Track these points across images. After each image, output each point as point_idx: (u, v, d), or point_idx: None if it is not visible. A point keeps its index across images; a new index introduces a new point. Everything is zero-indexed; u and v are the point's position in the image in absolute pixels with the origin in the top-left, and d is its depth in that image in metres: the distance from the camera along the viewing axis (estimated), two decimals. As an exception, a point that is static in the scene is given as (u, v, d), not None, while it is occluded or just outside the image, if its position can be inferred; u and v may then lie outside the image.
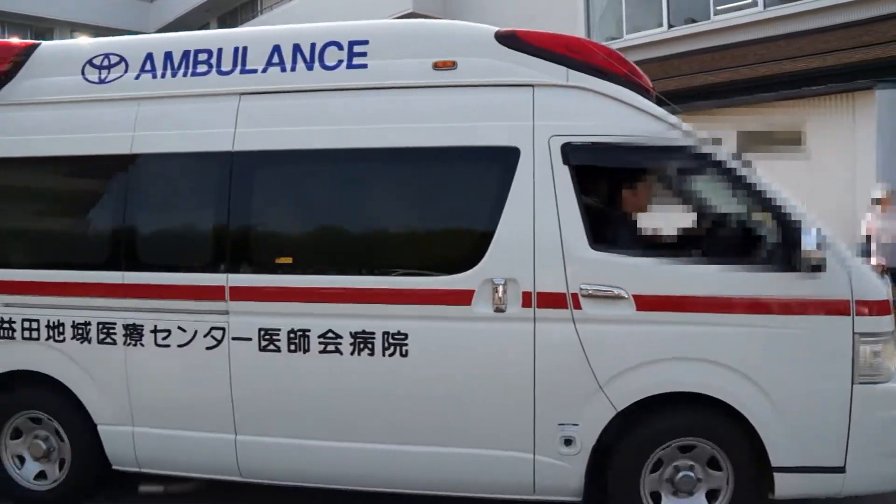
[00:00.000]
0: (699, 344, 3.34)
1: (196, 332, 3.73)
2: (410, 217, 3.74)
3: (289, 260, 3.74)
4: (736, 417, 3.32)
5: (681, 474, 3.43)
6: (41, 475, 4.12)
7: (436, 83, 3.63)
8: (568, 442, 3.43)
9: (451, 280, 3.48)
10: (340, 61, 3.72)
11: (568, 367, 3.39)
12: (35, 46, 4.15)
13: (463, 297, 3.45)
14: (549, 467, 3.46)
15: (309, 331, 3.60)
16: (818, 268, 3.18)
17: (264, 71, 3.81)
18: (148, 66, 3.96)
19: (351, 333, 3.56)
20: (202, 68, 3.89)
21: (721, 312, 3.31)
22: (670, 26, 12.57)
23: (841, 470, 3.26)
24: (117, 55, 4.02)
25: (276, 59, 3.80)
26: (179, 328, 3.75)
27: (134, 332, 3.81)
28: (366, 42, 3.72)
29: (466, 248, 3.53)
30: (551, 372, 3.40)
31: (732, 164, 3.42)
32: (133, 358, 3.82)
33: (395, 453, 3.60)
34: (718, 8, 12.02)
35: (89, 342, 3.88)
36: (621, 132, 3.44)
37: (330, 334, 3.58)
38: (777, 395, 3.26)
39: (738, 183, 3.43)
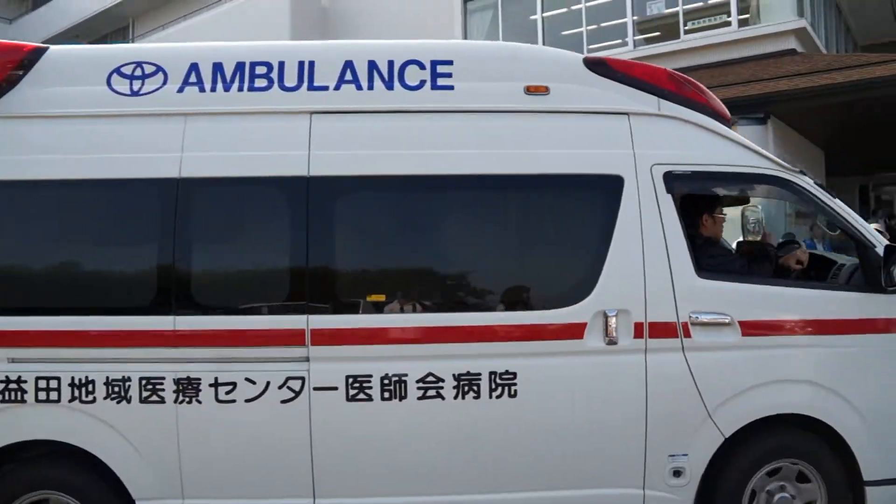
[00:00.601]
0: (800, 366, 3.47)
1: (268, 383, 3.26)
2: (512, 248, 3.55)
3: (381, 297, 3.38)
4: (828, 435, 3.47)
5: (777, 497, 3.51)
6: None
7: (529, 108, 3.50)
8: (677, 473, 3.40)
9: (561, 314, 3.34)
10: (424, 81, 3.49)
11: (679, 396, 3.36)
12: (42, 50, 3.49)
13: (575, 331, 3.32)
14: (658, 501, 3.41)
15: (406, 375, 3.28)
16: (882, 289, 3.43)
17: (337, 88, 3.47)
18: (193, 79, 3.46)
19: (454, 376, 3.28)
20: (261, 83, 3.46)
21: (818, 334, 3.45)
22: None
23: None
24: (153, 65, 3.47)
25: (349, 77, 3.48)
26: (247, 380, 3.25)
27: (188, 388, 3.26)
28: (450, 62, 3.51)
29: (576, 279, 3.41)
30: (663, 403, 3.36)
31: (816, 191, 3.61)
32: (187, 418, 3.26)
33: (496, 500, 3.36)
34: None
35: (128, 402, 3.24)
36: (717, 161, 3.52)
37: (430, 378, 3.28)
38: (868, 411, 3.44)
39: (823, 210, 3.63)
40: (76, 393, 3.24)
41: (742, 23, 12.44)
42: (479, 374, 3.29)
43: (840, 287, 3.59)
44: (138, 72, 3.47)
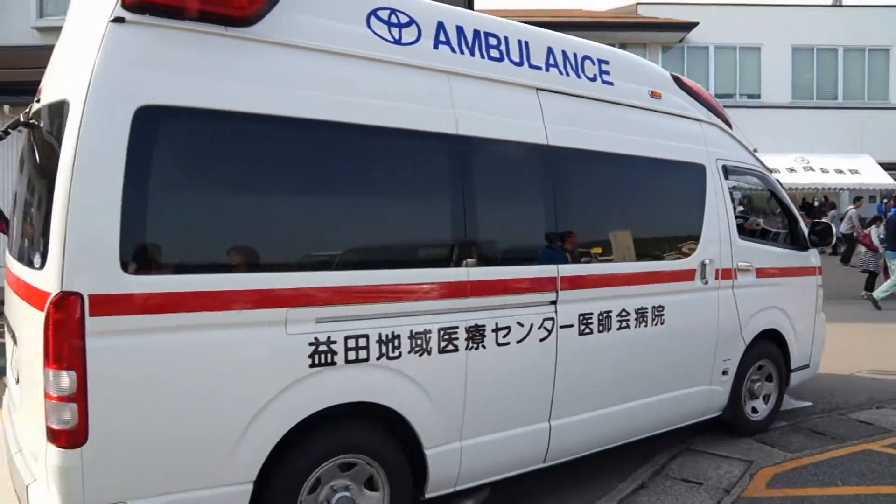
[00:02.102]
0: (775, 296, 5.32)
1: (532, 325, 3.68)
2: (659, 216, 4.62)
3: (599, 250, 4.12)
4: (778, 340, 5.42)
5: (759, 380, 5.39)
6: None
7: (652, 107, 4.58)
8: (725, 372, 4.95)
9: (686, 262, 4.58)
10: (596, 75, 4.25)
11: (730, 318, 4.90)
12: None
13: (691, 275, 4.60)
14: (715, 393, 4.90)
15: (611, 311, 4.08)
16: (807, 248, 5.67)
17: (547, 70, 3.99)
18: (442, 37, 3.56)
19: (635, 310, 4.22)
20: (494, 53, 3.75)
21: (783, 276, 5.39)
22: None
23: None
24: (406, 15, 3.44)
25: (552, 61, 4.03)
26: (518, 323, 3.63)
27: (476, 335, 3.46)
28: (608, 62, 4.35)
29: (690, 239, 4.67)
30: (723, 322, 4.85)
31: (778, 185, 5.57)
32: (474, 363, 3.45)
33: (645, 405, 4.41)
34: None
35: (429, 353, 3.30)
36: (739, 159, 5.20)
37: (623, 313, 4.16)
38: (796, 319, 5.52)
39: (780, 196, 5.62)
40: (383, 349, 3.16)
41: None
42: (647, 308, 4.29)
43: (790, 247, 5.61)
44: (394, 19, 3.40)
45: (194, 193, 2.86)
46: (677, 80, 4.88)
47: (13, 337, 3.34)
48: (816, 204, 23.21)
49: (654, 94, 4.59)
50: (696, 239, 4.68)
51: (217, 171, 2.91)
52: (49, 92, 3.06)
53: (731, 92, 24.45)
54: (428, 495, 3.45)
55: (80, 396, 2.54)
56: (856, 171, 22.19)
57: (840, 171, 22.25)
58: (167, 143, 2.74)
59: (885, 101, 24.90)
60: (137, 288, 2.62)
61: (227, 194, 2.93)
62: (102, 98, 2.58)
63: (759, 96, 24.68)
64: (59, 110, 2.75)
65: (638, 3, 24.47)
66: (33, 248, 2.90)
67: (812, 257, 5.78)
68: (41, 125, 3.07)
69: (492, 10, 24.13)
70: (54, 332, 2.53)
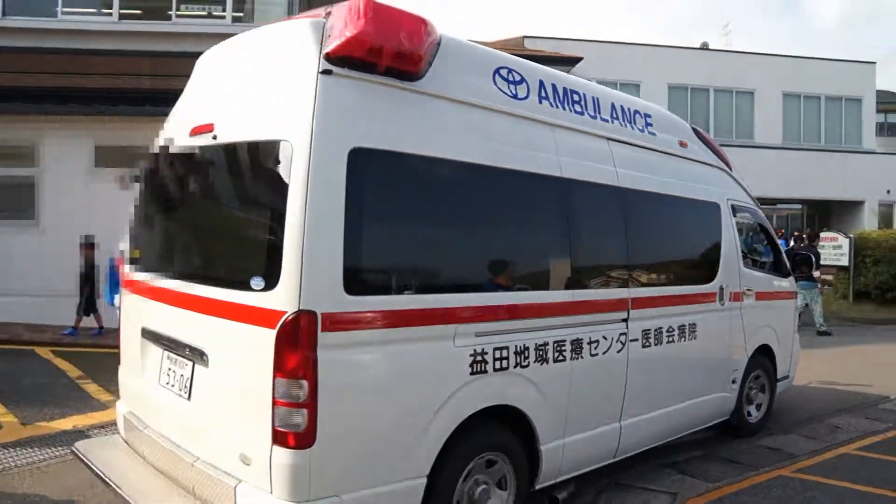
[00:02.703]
0: (768, 316, 6.34)
1: (612, 339, 4.40)
2: (686, 246, 5.54)
3: (653, 276, 5.01)
4: (769, 354, 6.41)
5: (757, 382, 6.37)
6: None
7: (681, 154, 5.48)
8: (734, 381, 5.86)
9: (711, 286, 5.51)
10: (643, 127, 5.09)
11: (739, 334, 5.84)
12: (438, 34, 3.63)
13: (713, 297, 5.51)
14: (727, 399, 5.80)
15: (661, 328, 4.89)
16: (788, 275, 6.75)
17: (612, 122, 4.76)
18: (543, 93, 4.23)
19: (678, 327, 5.06)
20: (578, 108, 4.48)
21: (773, 299, 6.42)
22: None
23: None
24: (518, 73, 4.09)
25: (615, 114, 4.82)
26: (603, 337, 4.33)
27: (577, 346, 4.14)
28: (651, 115, 5.21)
29: (712, 267, 5.60)
30: (734, 338, 5.80)
31: (765, 219, 6.62)
32: (574, 371, 4.11)
33: (684, 407, 5.23)
34: (65, 10, 12.43)
35: (547, 363, 3.92)
36: (742, 199, 6.20)
37: (670, 328, 4.97)
38: (781, 336, 6.57)
39: (768, 230, 6.67)
40: (518, 359, 3.75)
41: (236, 19, 13.07)
42: (684, 326, 5.11)
43: (776, 274, 6.65)
44: (511, 77, 4.03)
45: (393, 224, 3.32)
46: (696, 132, 5.83)
47: (172, 350, 3.66)
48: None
49: (682, 144, 5.51)
50: (715, 267, 5.58)
51: (407, 206, 3.40)
52: (237, 131, 3.40)
53: (611, 126, 26.40)
54: (537, 487, 4.04)
55: (311, 403, 2.89)
56: None
57: None
58: (373, 180, 3.16)
59: (751, 139, 26.66)
60: (356, 307, 3.03)
61: (418, 226, 3.46)
62: (326, 141, 2.98)
63: (637, 131, 26.55)
64: (271, 149, 3.09)
65: (524, 37, 24.67)
66: (237, 272, 3.20)
67: (791, 283, 6.87)
68: (231, 158, 3.48)
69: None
70: (288, 346, 2.87)
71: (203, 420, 3.41)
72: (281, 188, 2.97)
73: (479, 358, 3.54)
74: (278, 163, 3.03)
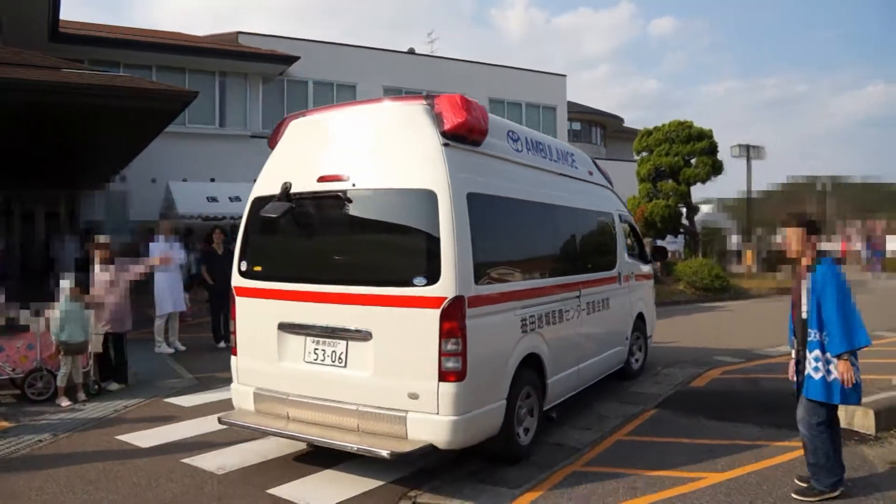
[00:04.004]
0: (641, 292, 8.82)
1: (574, 308, 6.56)
2: (593, 243, 7.51)
3: (589, 266, 7.27)
4: (642, 319, 8.92)
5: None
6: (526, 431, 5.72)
7: (591, 181, 7.83)
8: (627, 338, 8.28)
9: (613, 272, 7.82)
10: (572, 163, 7.37)
11: (628, 305, 8.30)
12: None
13: (615, 279, 7.86)
14: (622, 351, 8.16)
15: (594, 301, 7.16)
16: (650, 262, 9.35)
17: (559, 162, 6.96)
18: (525, 146, 6.27)
19: (601, 300, 7.28)
20: (542, 153, 6.60)
21: (642, 280, 8.86)
22: None
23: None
24: (515, 132, 6.15)
25: (559, 156, 7.02)
26: (571, 308, 6.50)
27: (560, 314, 6.22)
28: (573, 154, 7.50)
29: (613, 259, 7.94)
30: (626, 308, 8.24)
31: (633, 220, 9.04)
32: (560, 327, 6.18)
33: (607, 356, 7.59)
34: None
35: (550, 325, 5.96)
36: (622, 209, 8.76)
37: (597, 301, 7.19)
38: (647, 305, 9.17)
39: (635, 228, 9.10)
40: (538, 324, 5.77)
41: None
42: (604, 299, 7.37)
43: (643, 262, 9.06)
44: (514, 136, 6.09)
45: (491, 239, 5.19)
46: (594, 163, 8.22)
47: (317, 335, 5.17)
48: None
49: (590, 172, 7.86)
50: (615, 258, 7.96)
51: (494, 224, 5.31)
52: (380, 181, 5.02)
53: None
54: (545, 408, 6.01)
55: (463, 352, 4.68)
56: None
57: None
58: (477, 213, 4.97)
59: None
60: (480, 292, 4.93)
61: (502, 237, 5.46)
62: (456, 189, 4.80)
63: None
64: (419, 194, 4.81)
65: (239, 33, 24.01)
66: (398, 275, 4.82)
67: (650, 268, 9.42)
68: (378, 199, 5.05)
69: (79, 23, 20.87)
70: (449, 319, 4.63)
71: (362, 378, 4.91)
72: (432, 219, 4.72)
73: (523, 322, 5.56)
74: (426, 203, 4.76)
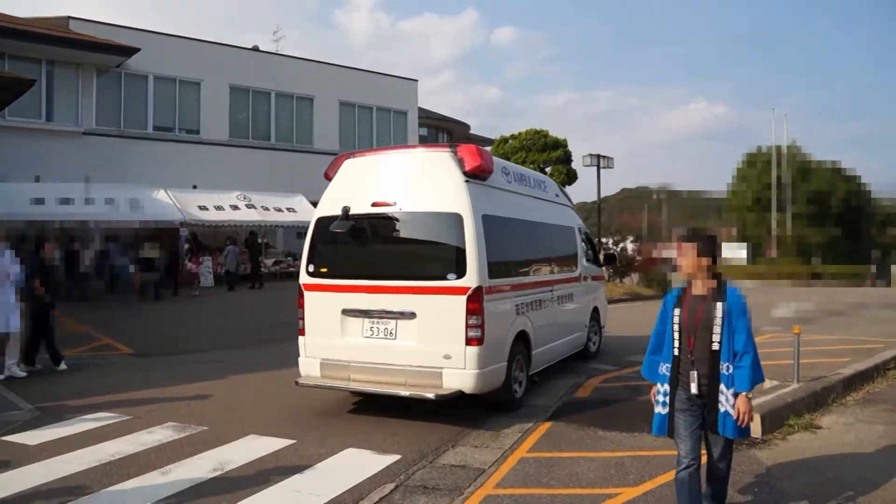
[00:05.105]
0: (596, 290, 11.25)
1: (549, 299, 8.72)
2: (559, 249, 9.72)
3: (556, 269, 9.44)
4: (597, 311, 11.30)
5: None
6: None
7: (556, 201, 10.13)
8: (585, 325, 10.59)
9: (576, 273, 10.13)
10: (543, 188, 9.66)
11: (586, 299, 10.62)
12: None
13: (577, 279, 10.14)
14: (583, 336, 10.47)
15: (563, 295, 9.33)
16: (606, 266, 12.61)
17: (534, 188, 9.20)
18: (513, 178, 8.48)
19: (567, 294, 9.47)
20: (525, 183, 8.81)
21: (597, 280, 11.31)
22: None
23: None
24: (507, 168, 8.40)
25: (534, 183, 9.27)
26: (548, 299, 8.67)
27: (540, 303, 8.38)
28: (544, 182, 9.90)
29: (576, 262, 10.26)
30: (586, 301, 10.55)
31: (588, 231, 11.55)
32: (540, 312, 8.34)
33: (571, 338, 9.81)
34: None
35: (534, 311, 8.06)
36: (580, 224, 11.19)
37: (565, 295, 9.36)
38: (600, 301, 11.55)
39: (590, 237, 11.42)
40: (526, 309, 7.89)
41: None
42: (569, 294, 9.63)
43: (596, 265, 11.27)
44: (505, 170, 8.27)
45: (496, 247, 7.17)
46: (559, 187, 10.62)
47: (373, 317, 7.14)
48: (261, 241, 24.34)
49: (556, 195, 10.17)
50: (576, 262, 10.18)
51: (497, 239, 7.25)
52: (420, 205, 7.15)
53: (170, 125, 24.12)
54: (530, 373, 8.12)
55: (482, 325, 6.73)
56: (292, 209, 23.97)
57: (279, 210, 23.73)
58: (488, 228, 7.06)
59: (310, 144, 27.58)
60: (492, 283, 6.99)
61: (503, 246, 7.45)
62: (475, 213, 6.89)
63: (198, 132, 24.63)
64: (449, 216, 6.93)
65: (69, 18, 22.16)
66: (437, 271, 6.91)
67: (601, 270, 11.61)
68: (419, 219, 7.19)
69: None
70: (473, 301, 6.69)
71: (408, 346, 6.94)
72: (459, 233, 6.83)
73: (517, 307, 7.67)
74: (455, 222, 6.88)
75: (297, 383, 7.34)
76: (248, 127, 26.06)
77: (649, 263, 25.02)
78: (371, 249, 7.38)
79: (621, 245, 28.69)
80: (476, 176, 7.13)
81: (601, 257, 11.93)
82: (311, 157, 26.26)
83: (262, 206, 23.28)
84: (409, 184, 7.19)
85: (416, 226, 7.14)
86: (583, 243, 10.66)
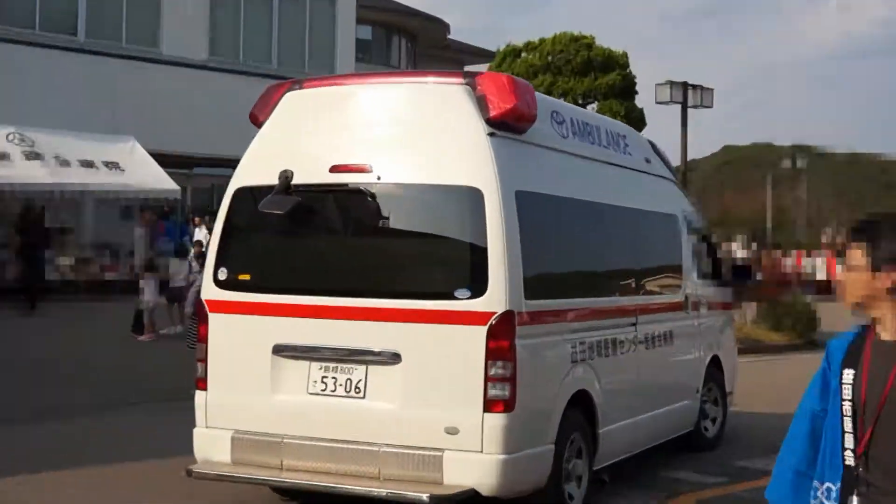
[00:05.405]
0: (717, 326, 7.03)
1: (634, 337, 5.53)
2: (655, 258, 6.20)
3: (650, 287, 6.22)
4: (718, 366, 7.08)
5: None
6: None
7: (647, 170, 6.45)
8: (697, 391, 6.52)
9: (678, 296, 6.32)
10: (624, 149, 6.04)
11: (698, 343, 6.59)
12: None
13: (680, 306, 6.30)
14: (694, 408, 6.43)
15: (653, 333, 5.82)
16: (734, 284, 7.68)
17: (606, 147, 5.76)
18: (572, 129, 5.29)
19: (661, 333, 5.85)
20: (591, 137, 5.55)
21: (716, 310, 7.04)
22: None
23: None
24: (559, 112, 5.20)
25: (606, 140, 5.80)
26: (634, 338, 5.54)
27: (614, 345, 5.30)
28: (626, 136, 6.21)
29: (679, 278, 6.35)
30: (696, 346, 6.58)
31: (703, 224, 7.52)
32: (611, 365, 5.23)
33: (656, 416, 5.88)
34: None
35: (602, 357, 5.06)
36: (689, 209, 7.01)
37: (657, 334, 5.84)
38: (725, 349, 7.19)
39: (709, 239, 7.58)
40: (589, 355, 4.89)
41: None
42: (665, 332, 5.95)
43: (718, 284, 7.16)
44: (557, 118, 5.12)
45: (539, 246, 4.60)
46: (652, 146, 6.73)
47: (328, 360, 4.42)
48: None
49: (648, 159, 6.44)
50: (680, 276, 6.39)
51: (543, 229, 4.72)
52: (411, 175, 4.48)
53: None
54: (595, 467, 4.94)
55: (512, 378, 4.12)
56: (115, 166, 14.27)
57: (88, 165, 14.00)
58: (527, 212, 4.42)
59: (155, 49, 16.29)
60: (531, 308, 4.33)
61: (551, 244, 4.91)
62: (505, 187, 4.25)
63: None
64: (461, 192, 4.32)
65: None
66: (435, 285, 4.41)
67: (727, 293, 7.44)
68: (409, 197, 4.55)
69: None
70: (498, 337, 4.10)
71: (386, 411, 4.28)
72: (478, 221, 4.21)
73: (575, 351, 4.79)
74: (470, 202, 4.26)
75: (189, 473, 4.61)
76: (32, 11, 15.55)
77: (777, 283, 15.97)
78: (329, 246, 4.86)
79: (724, 247, 18.89)
80: (508, 126, 4.45)
81: (724, 269, 7.54)
82: (157, 72, 16.22)
83: (54, 157, 13.88)
84: (395, 138, 4.58)
85: (405, 208, 4.59)
86: (693, 244, 6.74)
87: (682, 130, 15.88)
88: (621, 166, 5.88)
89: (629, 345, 5.38)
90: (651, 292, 5.99)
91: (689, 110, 15.95)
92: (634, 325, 5.45)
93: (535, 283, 4.43)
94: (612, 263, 5.57)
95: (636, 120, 16.91)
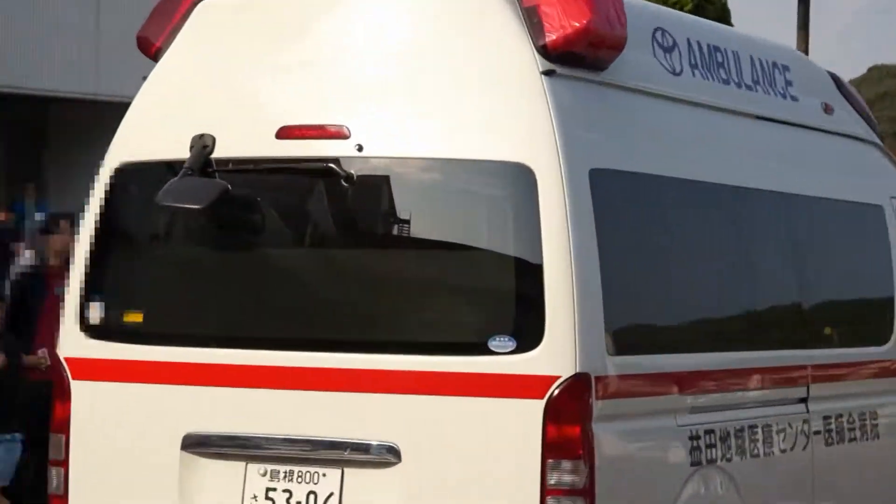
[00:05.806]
0: None
1: (794, 429, 3.51)
2: (829, 287, 3.98)
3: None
4: None
5: None
6: None
7: (828, 128, 4.22)
8: None
9: (881, 351, 4.03)
10: (784, 90, 3.98)
11: None
12: None
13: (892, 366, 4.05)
14: None
15: (842, 415, 3.77)
16: None
17: (755, 90, 3.72)
18: (692, 61, 3.32)
19: (827, 421, 3.74)
20: (723, 71, 3.54)
21: None
22: None
23: None
24: (667, 31, 3.24)
25: (751, 77, 3.80)
26: (788, 425, 3.48)
27: (767, 435, 3.37)
28: (788, 69, 4.00)
29: (889, 320, 4.06)
30: None
31: None
32: (762, 469, 3.33)
33: None
34: None
35: (744, 455, 3.23)
36: None
37: (851, 417, 3.81)
38: None
39: None
40: (725, 453, 3.09)
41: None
42: (865, 414, 3.91)
43: None
44: (663, 41, 3.18)
45: (634, 263, 2.89)
46: (837, 83, 4.36)
47: (276, 461, 2.74)
48: None
49: (826, 109, 4.13)
50: (893, 314, 4.07)
51: (636, 233, 2.96)
52: (412, 144, 2.72)
53: None
54: None
55: (590, 489, 2.46)
56: None
57: None
58: (610, 205, 2.73)
59: None
60: (621, 370, 2.68)
61: (650, 260, 3.02)
62: (572, 164, 2.57)
63: None
64: (498, 173, 2.65)
65: None
66: (474, 332, 2.64)
67: None
68: (405, 179, 2.83)
69: None
70: (564, 418, 2.48)
71: None
72: (527, 222, 2.59)
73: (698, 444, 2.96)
74: (514, 190, 2.66)
75: None
76: None
77: None
78: (274, 266, 3.00)
79: None
80: (578, 58, 2.75)
81: None
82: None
83: None
84: (387, 82, 2.80)
85: (403, 199, 2.86)
86: None
87: (797, 34, 11.87)
88: (781, 121, 3.70)
89: (796, 435, 3.36)
90: (836, 343, 3.76)
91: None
92: (805, 400, 3.45)
93: (625, 328, 2.79)
94: (763, 293, 3.46)
95: (717, 11, 12.72)
